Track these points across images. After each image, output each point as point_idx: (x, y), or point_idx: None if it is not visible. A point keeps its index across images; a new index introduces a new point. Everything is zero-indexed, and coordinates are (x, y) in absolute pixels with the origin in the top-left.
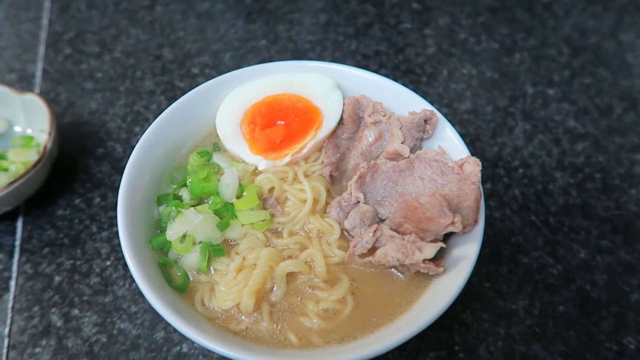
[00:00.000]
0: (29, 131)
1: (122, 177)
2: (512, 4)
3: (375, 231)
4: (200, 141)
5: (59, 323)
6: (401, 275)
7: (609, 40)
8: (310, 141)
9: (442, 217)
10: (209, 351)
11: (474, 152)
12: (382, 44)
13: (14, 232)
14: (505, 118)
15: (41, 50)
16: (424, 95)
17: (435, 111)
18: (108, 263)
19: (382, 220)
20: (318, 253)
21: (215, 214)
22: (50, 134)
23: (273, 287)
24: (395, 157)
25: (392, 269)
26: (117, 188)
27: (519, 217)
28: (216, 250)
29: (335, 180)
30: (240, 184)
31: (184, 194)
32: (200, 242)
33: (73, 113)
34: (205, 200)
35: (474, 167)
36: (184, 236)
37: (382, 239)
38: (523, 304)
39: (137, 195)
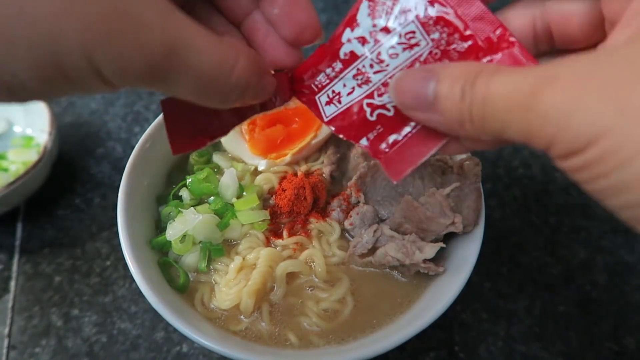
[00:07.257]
0: (29, 131)
1: (122, 177)
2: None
3: (375, 231)
4: None
5: (59, 323)
6: (401, 276)
7: None
8: (311, 141)
9: (442, 217)
10: (209, 351)
11: (474, 152)
12: None
13: (14, 232)
14: None
15: None
16: None
17: None
18: (108, 263)
19: (382, 220)
20: (318, 253)
21: (215, 214)
22: (50, 134)
23: (273, 287)
24: None
25: (393, 270)
26: (117, 188)
27: (519, 217)
28: (216, 250)
29: (335, 180)
30: (240, 184)
31: (184, 194)
32: (200, 242)
33: (73, 113)
34: (205, 200)
35: (474, 166)
36: (184, 236)
37: (382, 239)
38: (523, 304)
39: (137, 195)
